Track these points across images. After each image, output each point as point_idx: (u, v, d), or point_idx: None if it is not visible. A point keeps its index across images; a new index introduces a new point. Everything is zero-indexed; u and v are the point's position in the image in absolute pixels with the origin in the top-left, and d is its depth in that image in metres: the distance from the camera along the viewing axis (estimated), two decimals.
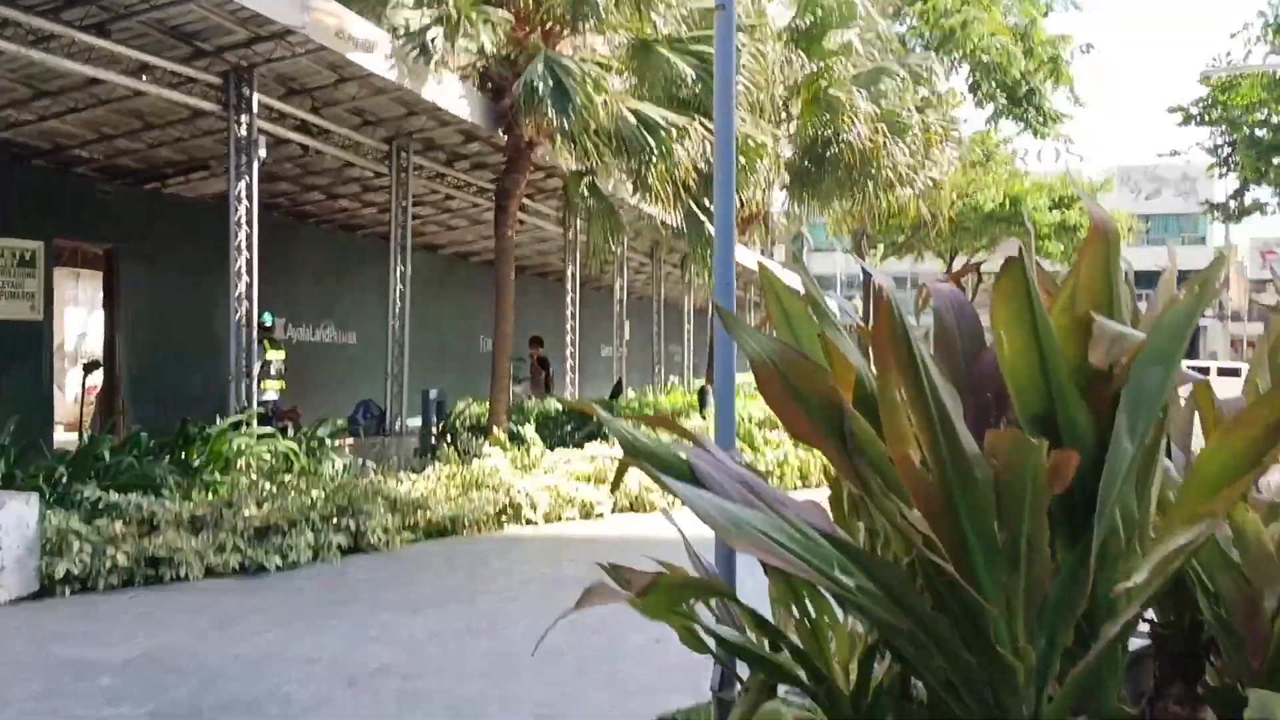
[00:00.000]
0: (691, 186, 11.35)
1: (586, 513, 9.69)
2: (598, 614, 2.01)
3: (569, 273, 17.93)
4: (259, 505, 7.64)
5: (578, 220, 16.26)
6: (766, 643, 2.57)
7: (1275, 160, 27.91)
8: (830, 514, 2.74)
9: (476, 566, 7.86)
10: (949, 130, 15.84)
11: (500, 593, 6.92)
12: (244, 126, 9.88)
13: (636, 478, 9.50)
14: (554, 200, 16.76)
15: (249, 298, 10.07)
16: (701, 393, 15.53)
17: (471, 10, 9.95)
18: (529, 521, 9.29)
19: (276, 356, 13.13)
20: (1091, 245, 2.21)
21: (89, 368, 15.05)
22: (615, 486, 9.54)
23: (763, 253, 20.55)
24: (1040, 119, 26.44)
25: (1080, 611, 2.16)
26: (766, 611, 2.54)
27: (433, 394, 13.04)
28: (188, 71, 9.72)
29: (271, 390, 12.88)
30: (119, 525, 7.03)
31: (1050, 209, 32.88)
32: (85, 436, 9.86)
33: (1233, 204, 31.64)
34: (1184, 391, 2.65)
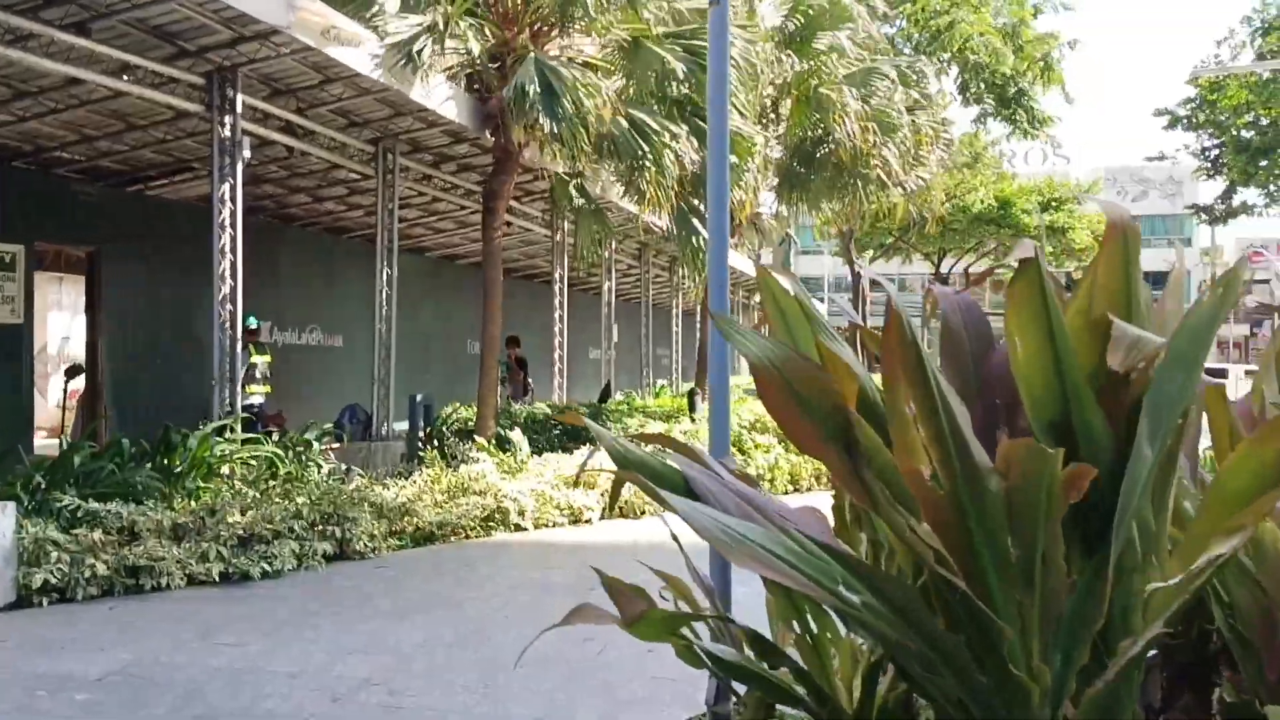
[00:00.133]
0: (683, 190, 11.25)
1: (575, 518, 9.57)
2: (590, 623, 1.92)
3: (557, 275, 17.83)
4: (242, 512, 7.51)
5: (565, 223, 16.17)
6: (765, 662, 2.48)
7: (1264, 162, 28.04)
8: (831, 524, 2.67)
9: (464, 573, 7.73)
10: (939, 132, 15.81)
11: (488, 600, 6.80)
12: (227, 127, 9.74)
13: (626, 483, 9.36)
14: (541, 202, 16.67)
15: (233, 301, 9.92)
16: (691, 395, 15.44)
17: (460, 19, 9.82)
18: (517, 527, 9.17)
19: (261, 360, 12.99)
20: (1110, 244, 2.12)
21: (71, 372, 14.86)
22: (613, 504, 9.42)
23: (750, 255, 20.49)
24: (1029, 120, 26.49)
25: (1097, 628, 2.07)
26: (762, 621, 2.45)
27: (420, 398, 12.92)
28: (170, 71, 9.57)
29: (256, 395, 12.74)
30: (98, 534, 6.88)
31: (1040, 210, 32.96)
32: (66, 442, 9.69)
33: (1219, 206, 31.77)
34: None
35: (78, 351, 16.30)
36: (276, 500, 7.97)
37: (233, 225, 9.86)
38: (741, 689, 2.60)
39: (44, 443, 13.02)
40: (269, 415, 13.33)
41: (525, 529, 9.22)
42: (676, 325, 27.92)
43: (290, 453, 9.69)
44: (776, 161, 12.80)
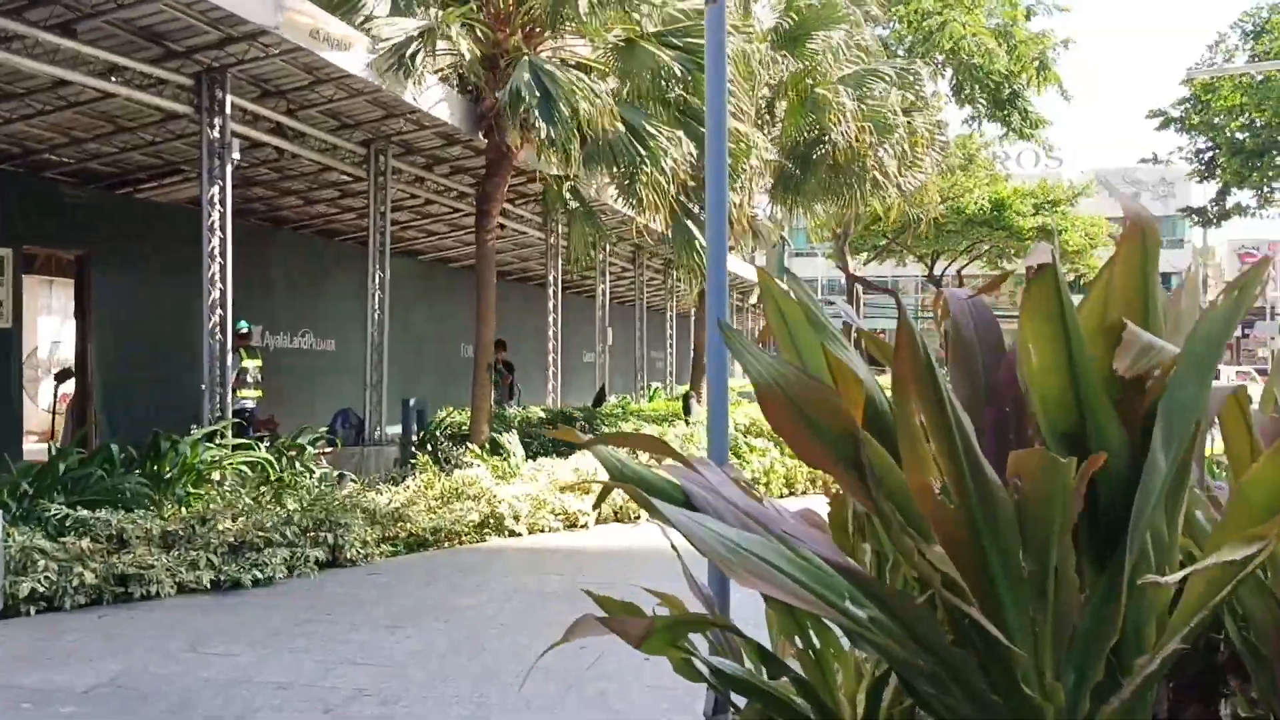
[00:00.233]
0: (679, 194, 11.18)
1: (570, 523, 9.49)
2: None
3: (551, 278, 17.75)
4: (233, 519, 7.41)
5: (559, 225, 16.10)
6: (765, 672, 2.42)
7: (1257, 164, 28.09)
8: (831, 533, 2.60)
9: (458, 580, 7.64)
10: (934, 134, 15.78)
11: (483, 607, 6.71)
12: (217, 129, 9.64)
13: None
14: (535, 205, 16.59)
15: (223, 305, 9.82)
16: (686, 399, 15.37)
17: (452, 23, 9.73)
18: (512, 533, 9.09)
19: (253, 364, 12.90)
20: (1127, 243, 2.05)
21: (61, 377, 14.75)
22: (598, 504, 9.33)
23: (745, 258, 20.43)
24: (1024, 122, 26.50)
25: (1111, 644, 2.00)
26: (761, 626, 2.38)
27: (413, 402, 12.83)
28: (158, 73, 9.47)
29: (248, 399, 12.64)
30: (87, 542, 6.79)
31: (1034, 213, 33.00)
32: (55, 448, 9.59)
33: (1213, 209, 31.81)
34: None
35: (68, 356, 16.19)
36: (268, 507, 7.87)
37: (222, 228, 9.76)
38: (740, 701, 2.54)
39: (34, 448, 12.89)
40: (261, 420, 13.23)
41: (520, 534, 9.14)
42: (671, 328, 27.86)
43: (284, 459, 9.59)
44: (772, 163, 12.72)
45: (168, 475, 8.37)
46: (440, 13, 9.71)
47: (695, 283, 13.85)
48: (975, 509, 1.88)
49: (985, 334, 2.28)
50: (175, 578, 6.80)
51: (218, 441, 9.17)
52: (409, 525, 8.52)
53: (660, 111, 10.94)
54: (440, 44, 9.86)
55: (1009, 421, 2.17)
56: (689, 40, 10.42)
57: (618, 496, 9.75)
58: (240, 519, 7.44)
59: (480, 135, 11.74)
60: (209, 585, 6.89)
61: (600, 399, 18.77)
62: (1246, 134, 28.19)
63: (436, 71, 10.66)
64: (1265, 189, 29.12)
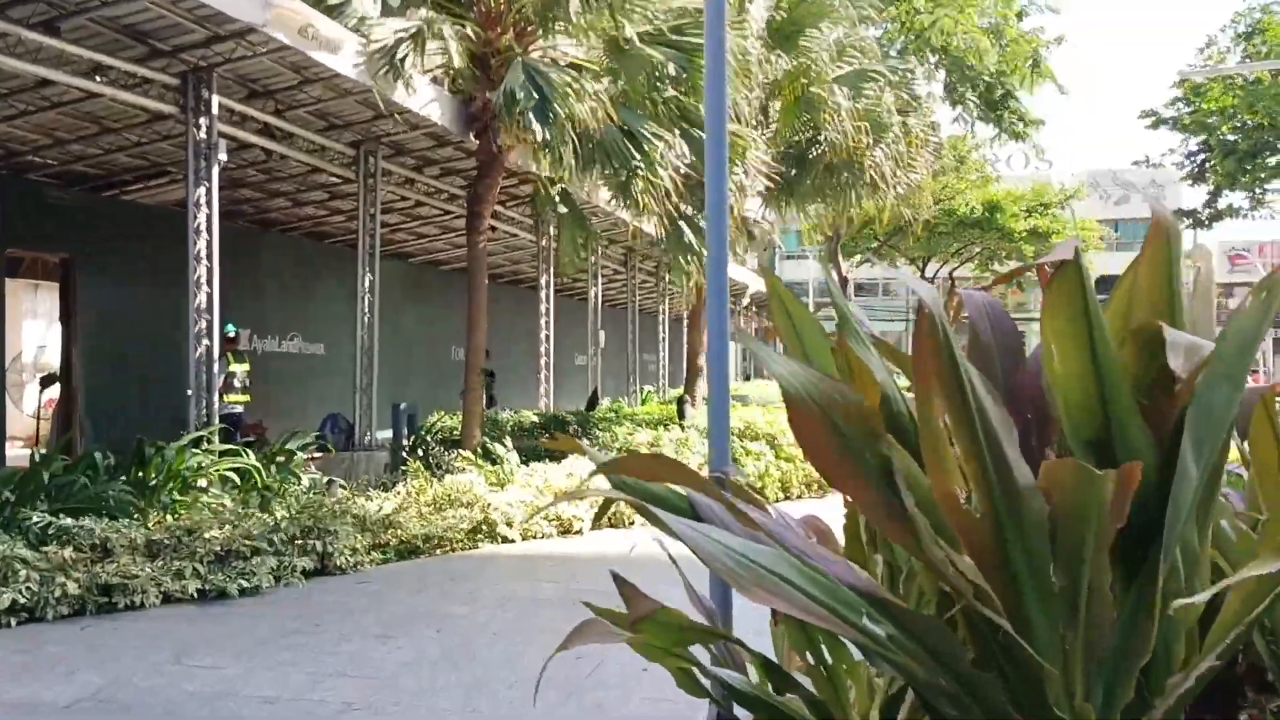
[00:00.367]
0: (675, 195, 11.07)
1: (564, 529, 9.36)
2: None
3: (543, 280, 17.63)
4: (220, 527, 7.27)
5: (550, 228, 15.98)
6: (770, 685, 2.31)
7: (1249, 166, 28.13)
8: (845, 544, 2.49)
9: (450, 587, 7.51)
10: (928, 135, 15.71)
11: (476, 616, 6.58)
12: (203, 130, 9.50)
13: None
14: (526, 207, 16.47)
15: (210, 308, 9.67)
16: (680, 402, 15.26)
17: (443, 24, 9.60)
18: (505, 539, 8.96)
19: (240, 369, 12.75)
20: (1153, 244, 1.95)
21: (46, 382, 14.58)
22: (599, 517, 9.20)
23: (737, 260, 20.34)
24: (1017, 121, 26.49)
25: (1143, 662, 1.90)
26: (758, 640, 2.28)
27: (403, 406, 12.69)
28: (144, 72, 9.33)
29: (235, 404, 12.49)
30: (69, 551, 6.63)
31: (1026, 215, 33.02)
32: (39, 454, 9.43)
33: (1204, 211, 31.84)
34: None
35: (53, 361, 16.00)
36: (255, 514, 7.73)
37: (209, 230, 9.61)
38: (744, 715, 2.44)
39: (18, 454, 12.71)
40: (249, 425, 13.08)
41: (513, 540, 9.01)
42: (663, 331, 27.78)
43: (273, 465, 9.44)
44: (767, 164, 12.62)
45: (153, 482, 8.22)
46: (430, 13, 9.58)
47: (689, 285, 13.74)
48: (1004, 519, 1.78)
49: (1003, 337, 2.19)
50: (160, 587, 6.65)
51: (204, 447, 9.02)
52: (400, 532, 8.39)
53: (654, 112, 10.83)
54: (431, 44, 9.73)
55: (1031, 427, 2.07)
56: (683, 39, 10.32)
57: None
58: (227, 527, 7.30)
59: (471, 136, 11.62)
60: (195, 595, 6.75)
61: (593, 403, 18.64)
62: (1239, 135, 28.23)
63: (427, 72, 10.53)
64: (1258, 190, 29.17)
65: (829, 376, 1.89)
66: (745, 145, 11.29)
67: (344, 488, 9.58)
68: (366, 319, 13.09)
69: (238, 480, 8.85)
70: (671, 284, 19.53)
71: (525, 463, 11.09)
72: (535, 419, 14.29)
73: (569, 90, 9.59)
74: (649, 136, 10.46)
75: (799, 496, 12.07)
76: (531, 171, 12.29)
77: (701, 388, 16.80)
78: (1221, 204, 30.94)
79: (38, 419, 15.09)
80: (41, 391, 14.98)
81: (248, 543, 7.16)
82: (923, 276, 38.54)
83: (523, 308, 20.57)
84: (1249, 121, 27.34)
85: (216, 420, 9.75)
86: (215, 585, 6.83)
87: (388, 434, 13.29)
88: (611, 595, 2.04)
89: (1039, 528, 1.78)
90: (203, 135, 9.49)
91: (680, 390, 18.50)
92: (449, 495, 9.23)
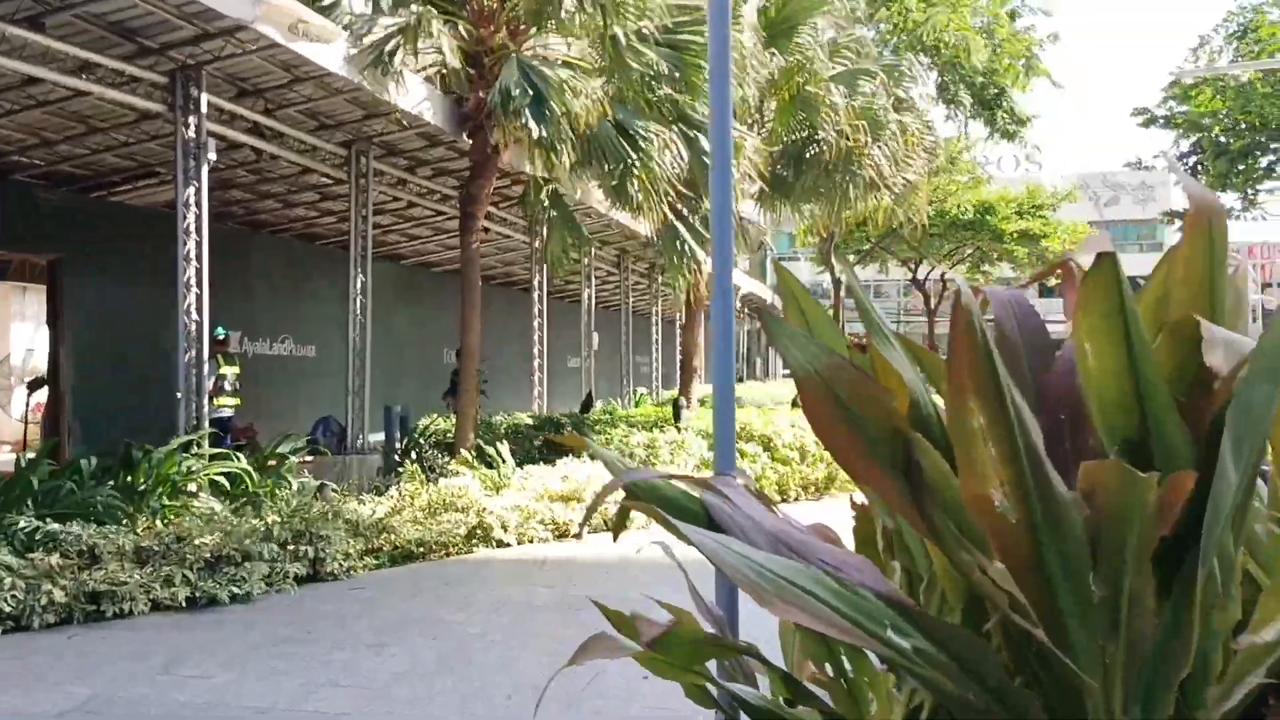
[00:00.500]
0: (670, 196, 10.98)
1: (560, 533, 9.25)
2: (578, 644, 1.66)
3: (536, 282, 17.53)
4: (210, 533, 7.14)
5: (543, 229, 15.86)
6: (782, 699, 2.22)
7: (1241, 167, 28.15)
8: (855, 550, 2.40)
9: (445, 593, 7.40)
10: (923, 135, 15.65)
11: (471, 622, 6.47)
12: (192, 129, 9.36)
13: (612, 496, 9.07)
14: (519, 208, 16.36)
15: (199, 310, 9.53)
16: (675, 404, 15.16)
17: (434, 21, 9.49)
18: (500, 543, 8.84)
19: (230, 371, 12.61)
20: (1192, 232, 1.86)
21: (34, 385, 14.41)
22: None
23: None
24: (1010, 120, 26.45)
25: (1182, 675, 1.81)
26: (768, 649, 2.18)
27: (396, 409, 12.57)
28: (131, 70, 9.19)
29: (226, 407, 12.35)
30: (56, 558, 6.51)
31: (1018, 217, 33.00)
32: (26, 459, 9.28)
33: None
34: None
35: (41, 364, 15.83)
36: (245, 519, 7.60)
37: (198, 231, 9.48)
38: None
39: (5, 459, 12.55)
40: (239, 428, 12.94)
41: (509, 544, 8.90)
42: (656, 333, 27.68)
43: (263, 469, 9.31)
44: (761, 163, 12.53)
45: (141, 487, 8.09)
46: (422, 9, 9.46)
47: (683, 286, 13.64)
48: (1040, 525, 1.68)
49: (1032, 335, 2.09)
50: (149, 595, 6.53)
51: (194, 451, 8.89)
52: (393, 537, 8.27)
53: (648, 112, 10.73)
54: (422, 42, 9.61)
55: (1064, 429, 1.98)
56: (676, 38, 10.22)
57: (609, 506, 9.51)
58: (217, 532, 7.17)
59: (464, 136, 11.51)
60: (185, 602, 6.61)
61: (588, 405, 18.54)
62: (1230, 136, 28.25)
63: (419, 70, 10.42)
64: (1249, 191, 29.20)
65: (845, 359, 1.80)
66: (742, 145, 11.20)
67: (336, 491, 9.45)
68: (358, 321, 12.97)
69: (228, 485, 8.72)
70: (665, 285, 19.44)
71: (519, 465, 10.98)
72: (530, 421, 14.17)
73: (565, 87, 9.49)
74: (644, 133, 10.36)
75: (795, 499, 11.99)
76: (524, 172, 12.18)
77: (696, 390, 16.70)
78: None
79: (25, 423, 14.92)
80: (30, 395, 14.81)
81: (238, 548, 7.04)
82: (914, 278, 38.52)
83: (515, 310, 20.46)
84: (1241, 123, 27.37)
85: (206, 424, 9.61)
86: (206, 592, 6.70)
87: (380, 437, 13.17)
88: (609, 600, 1.94)
89: (1077, 534, 1.68)
90: (191, 134, 9.36)
91: (675, 392, 18.38)
92: (443, 499, 9.11)
